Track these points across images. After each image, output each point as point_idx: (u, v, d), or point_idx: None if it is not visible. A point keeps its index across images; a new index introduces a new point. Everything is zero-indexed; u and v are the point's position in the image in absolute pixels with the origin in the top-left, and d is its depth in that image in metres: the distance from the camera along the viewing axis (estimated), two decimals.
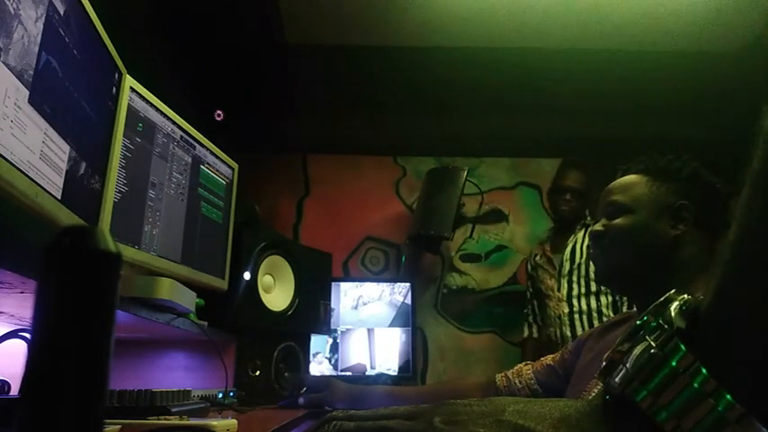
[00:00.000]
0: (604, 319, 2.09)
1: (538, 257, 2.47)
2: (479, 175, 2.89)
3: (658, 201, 0.96)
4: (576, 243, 2.31)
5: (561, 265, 2.31)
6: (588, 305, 2.19)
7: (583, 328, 2.16)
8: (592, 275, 2.17)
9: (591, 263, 2.13)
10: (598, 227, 1.01)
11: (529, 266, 2.53)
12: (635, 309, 1.07)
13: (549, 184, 2.58)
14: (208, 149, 1.34)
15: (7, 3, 0.61)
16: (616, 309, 2.14)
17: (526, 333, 2.52)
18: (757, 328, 0.29)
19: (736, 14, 2.08)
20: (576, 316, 2.20)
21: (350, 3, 2.05)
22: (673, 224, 0.95)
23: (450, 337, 2.77)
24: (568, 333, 2.20)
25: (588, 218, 2.34)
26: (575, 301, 2.22)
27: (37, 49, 0.68)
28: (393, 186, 2.95)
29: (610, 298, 2.17)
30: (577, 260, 2.27)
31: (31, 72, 0.66)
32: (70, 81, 0.77)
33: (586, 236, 2.24)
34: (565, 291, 2.26)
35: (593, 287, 2.20)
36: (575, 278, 2.25)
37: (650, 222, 0.95)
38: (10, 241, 0.59)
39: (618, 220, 0.98)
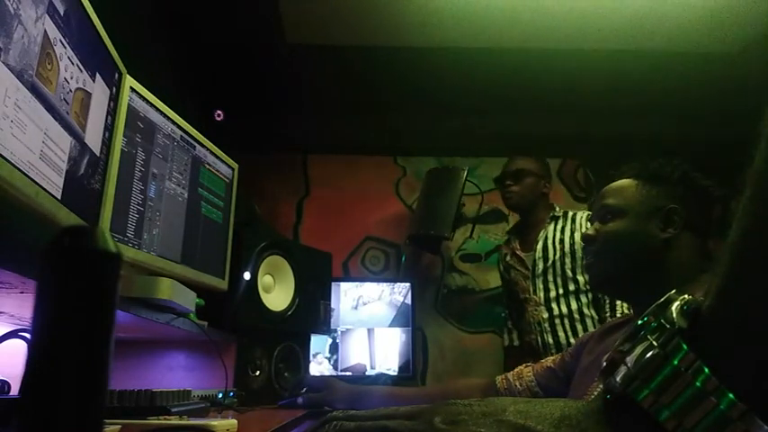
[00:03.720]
0: (587, 320, 1.95)
1: (508, 257, 2.25)
2: (479, 175, 2.89)
3: (648, 204, 0.98)
4: (546, 238, 2.09)
5: (534, 265, 2.09)
6: (569, 306, 1.98)
7: (565, 333, 1.98)
8: (568, 273, 2.00)
9: (566, 259, 2.00)
10: (590, 231, 1.02)
11: (501, 267, 2.33)
12: (631, 311, 1.08)
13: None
14: (208, 149, 1.34)
15: (7, 3, 0.61)
16: (598, 306, 1.95)
17: (506, 341, 2.34)
18: (759, 327, 0.29)
19: (735, 15, 2.08)
20: (558, 320, 2.00)
21: (349, 3, 2.05)
22: (662, 227, 0.96)
23: (450, 337, 2.76)
24: (550, 340, 2.00)
25: (557, 209, 2.15)
26: (554, 305, 2.01)
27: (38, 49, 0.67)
28: (393, 186, 2.95)
29: (590, 296, 1.96)
30: (551, 258, 2.04)
31: (32, 72, 0.66)
32: None
33: (557, 230, 2.08)
34: (542, 293, 2.05)
35: (572, 286, 1.99)
36: (550, 278, 2.04)
37: (640, 225, 0.97)
38: (10, 241, 0.59)
39: (609, 225, 0.99)
